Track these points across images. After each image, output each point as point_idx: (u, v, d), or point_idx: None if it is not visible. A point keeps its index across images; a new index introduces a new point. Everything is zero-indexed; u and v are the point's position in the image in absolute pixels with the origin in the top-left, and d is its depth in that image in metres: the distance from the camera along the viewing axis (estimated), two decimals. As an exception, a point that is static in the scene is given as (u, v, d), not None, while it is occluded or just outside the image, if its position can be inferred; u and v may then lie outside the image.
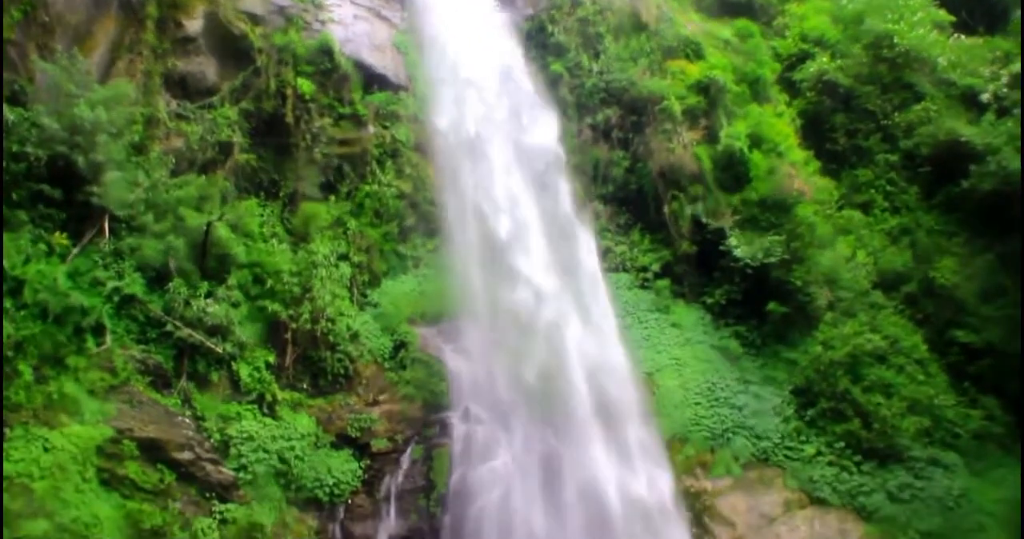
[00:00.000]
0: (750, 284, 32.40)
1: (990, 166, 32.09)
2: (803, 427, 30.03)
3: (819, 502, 28.55)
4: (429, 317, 31.27)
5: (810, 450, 29.47)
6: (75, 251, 24.20)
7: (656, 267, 34.52)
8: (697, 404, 30.66)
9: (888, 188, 35.50)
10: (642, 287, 34.41)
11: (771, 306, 31.54)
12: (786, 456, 29.58)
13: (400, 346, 30.07)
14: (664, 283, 34.04)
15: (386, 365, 29.69)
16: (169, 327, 25.27)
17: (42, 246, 23.39)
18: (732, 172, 33.63)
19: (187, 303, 25.50)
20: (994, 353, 30.61)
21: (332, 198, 31.45)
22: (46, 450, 21.11)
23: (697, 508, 28.46)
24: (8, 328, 21.68)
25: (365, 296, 31.01)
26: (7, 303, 22.06)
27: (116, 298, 24.70)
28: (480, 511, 26.98)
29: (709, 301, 33.50)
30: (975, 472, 28.88)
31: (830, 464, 29.07)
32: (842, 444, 29.26)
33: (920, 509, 27.92)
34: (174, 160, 27.48)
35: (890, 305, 32.24)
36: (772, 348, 32.12)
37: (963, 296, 31.58)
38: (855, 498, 28.36)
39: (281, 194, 30.45)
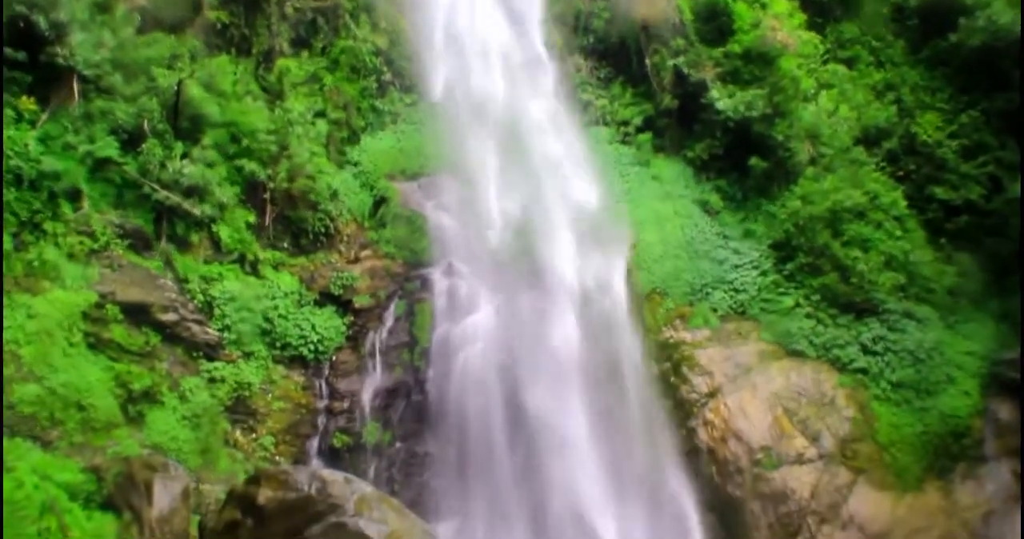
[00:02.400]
0: (731, 138, 32.13)
1: (979, 21, 31.16)
2: (781, 281, 30.30)
3: (795, 354, 29.13)
4: (409, 173, 31.20)
5: (787, 303, 29.83)
6: (44, 116, 23.71)
7: (638, 121, 34.15)
8: (677, 258, 30.87)
9: (874, 43, 34.56)
10: (623, 141, 34.16)
11: (752, 161, 31.31)
12: (763, 309, 29.99)
13: (380, 203, 30.10)
14: (645, 137, 33.75)
15: (367, 223, 29.76)
16: (146, 190, 25.08)
17: (9, 112, 22.84)
18: (715, 24, 32.76)
19: (162, 165, 25.22)
20: (972, 210, 30.65)
21: (306, 54, 30.77)
22: (30, 317, 21.26)
23: (676, 359, 29.09)
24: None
25: (343, 153, 30.71)
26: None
27: (90, 162, 24.37)
28: (464, 363, 27.50)
29: (690, 155, 33.21)
30: (948, 326, 29.38)
31: (806, 317, 29.48)
32: (819, 297, 29.57)
33: (893, 361, 28.52)
34: (140, 18, 26.43)
35: (871, 161, 31.90)
36: (752, 203, 32.06)
37: (944, 153, 31.30)
38: (830, 350, 28.91)
39: (254, 51, 29.64)
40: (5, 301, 21.01)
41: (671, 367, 29.10)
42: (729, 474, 27.41)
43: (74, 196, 23.67)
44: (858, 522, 26.56)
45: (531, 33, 33.75)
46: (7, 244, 21.55)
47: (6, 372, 20.17)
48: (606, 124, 34.56)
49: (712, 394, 28.42)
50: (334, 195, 29.12)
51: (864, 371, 28.55)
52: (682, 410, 28.59)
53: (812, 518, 26.66)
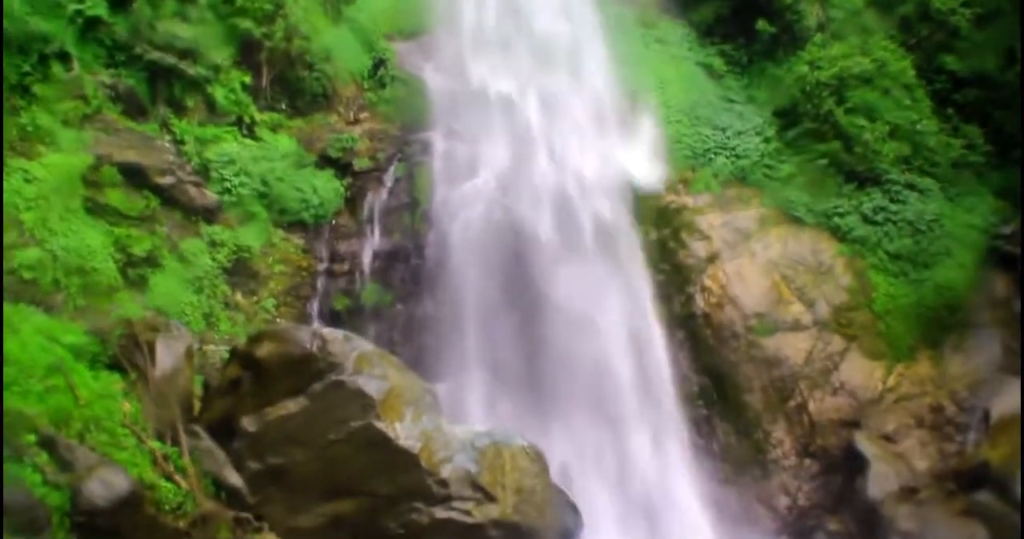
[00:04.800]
0: (738, 1, 31.47)
1: None
2: (783, 148, 30.17)
3: (794, 221, 29.20)
4: (408, 33, 30.66)
5: (789, 170, 29.72)
6: (27, -27, 22.95)
7: (643, -21, 33.25)
8: (679, 122, 30.53)
9: (891, -98, 33.46)
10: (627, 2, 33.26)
11: (759, 24, 30.68)
12: (765, 175, 29.89)
13: (379, 64, 29.65)
14: (650, -2, 32.94)
15: (365, 84, 29.45)
16: (138, 50, 24.55)
17: (-14, -32, 22.07)
18: None
19: (153, 25, 24.65)
20: (982, 82, 30.17)
21: (296, -97, 29.53)
22: (27, 181, 21.13)
23: (675, 224, 29.08)
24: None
25: (340, 11, 29.90)
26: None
27: (79, 22, 23.66)
28: (464, 227, 27.51)
29: (696, 18, 32.63)
30: (949, 198, 29.39)
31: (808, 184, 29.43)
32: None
33: (892, 231, 28.61)
34: None
35: (882, 28, 31.32)
36: (757, 68, 31.68)
37: (958, 21, 30.45)
38: (830, 218, 29.00)
39: (245, -100, 28.49)
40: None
41: (670, 233, 29.10)
42: (724, 339, 27.73)
43: (64, 58, 23.16)
44: (849, 388, 27.11)
45: None
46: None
47: (9, 239, 20.17)
48: (610, -17, 33.57)
49: (711, 260, 28.54)
50: (331, 55, 28.57)
51: (863, 241, 28.65)
52: (680, 276, 28.67)
53: (804, 383, 27.17)
